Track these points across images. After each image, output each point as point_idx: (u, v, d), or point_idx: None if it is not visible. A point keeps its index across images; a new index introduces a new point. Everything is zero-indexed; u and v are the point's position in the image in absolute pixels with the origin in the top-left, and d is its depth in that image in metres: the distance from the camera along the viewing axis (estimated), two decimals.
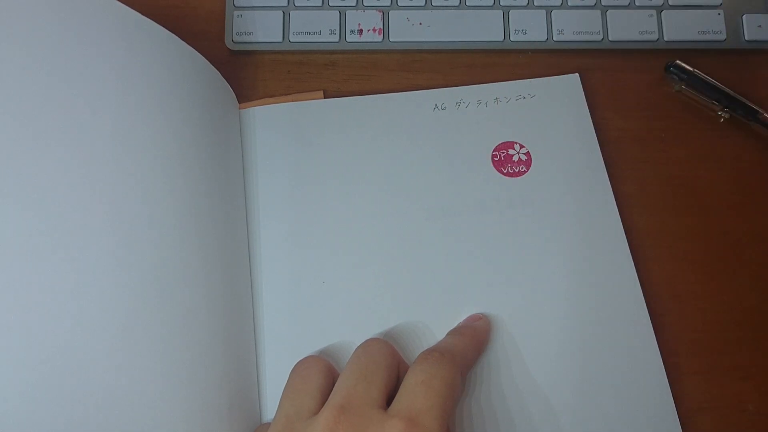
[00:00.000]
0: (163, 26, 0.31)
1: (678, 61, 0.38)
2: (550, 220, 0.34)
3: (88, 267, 0.25)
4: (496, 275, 0.33)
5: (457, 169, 0.36)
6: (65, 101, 0.26)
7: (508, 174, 0.36)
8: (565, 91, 0.37)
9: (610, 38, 0.38)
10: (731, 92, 0.37)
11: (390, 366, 0.27)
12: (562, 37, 0.38)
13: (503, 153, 0.36)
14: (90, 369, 0.24)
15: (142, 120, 0.28)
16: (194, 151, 0.30)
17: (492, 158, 0.36)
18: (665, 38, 0.38)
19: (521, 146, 0.36)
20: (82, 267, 0.24)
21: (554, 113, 0.37)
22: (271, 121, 0.37)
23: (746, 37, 0.38)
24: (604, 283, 0.33)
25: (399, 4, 0.39)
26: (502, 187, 0.35)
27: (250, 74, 0.38)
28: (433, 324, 0.32)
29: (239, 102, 0.37)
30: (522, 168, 0.36)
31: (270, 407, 0.31)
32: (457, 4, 0.39)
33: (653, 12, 0.39)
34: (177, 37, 0.32)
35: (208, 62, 0.34)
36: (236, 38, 0.38)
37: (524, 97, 0.37)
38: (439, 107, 0.37)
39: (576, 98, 0.37)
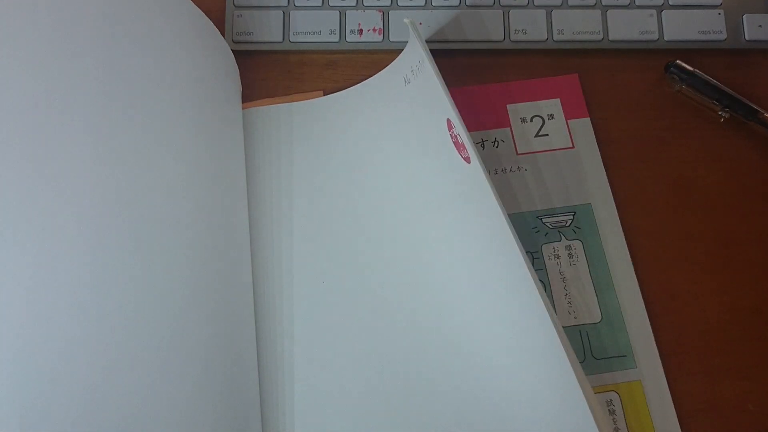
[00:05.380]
0: None
1: (678, 61, 0.38)
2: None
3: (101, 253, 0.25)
4: (492, 272, 0.33)
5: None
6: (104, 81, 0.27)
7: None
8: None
9: (610, 38, 0.38)
10: (731, 92, 0.37)
11: None
12: (562, 37, 0.38)
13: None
14: (87, 369, 0.24)
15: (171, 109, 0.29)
16: (208, 144, 0.31)
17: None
18: (665, 38, 0.38)
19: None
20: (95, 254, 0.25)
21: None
22: (271, 121, 0.37)
23: (746, 37, 0.38)
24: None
25: (399, 4, 0.39)
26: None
27: (250, 74, 0.38)
28: (432, 322, 0.32)
29: None
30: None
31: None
32: (457, 4, 0.39)
33: (653, 12, 0.39)
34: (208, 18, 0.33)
35: (228, 46, 0.34)
36: (236, 38, 0.38)
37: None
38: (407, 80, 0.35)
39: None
